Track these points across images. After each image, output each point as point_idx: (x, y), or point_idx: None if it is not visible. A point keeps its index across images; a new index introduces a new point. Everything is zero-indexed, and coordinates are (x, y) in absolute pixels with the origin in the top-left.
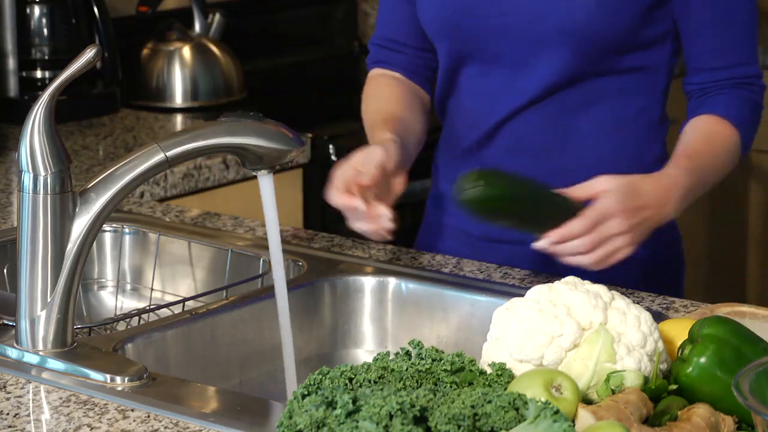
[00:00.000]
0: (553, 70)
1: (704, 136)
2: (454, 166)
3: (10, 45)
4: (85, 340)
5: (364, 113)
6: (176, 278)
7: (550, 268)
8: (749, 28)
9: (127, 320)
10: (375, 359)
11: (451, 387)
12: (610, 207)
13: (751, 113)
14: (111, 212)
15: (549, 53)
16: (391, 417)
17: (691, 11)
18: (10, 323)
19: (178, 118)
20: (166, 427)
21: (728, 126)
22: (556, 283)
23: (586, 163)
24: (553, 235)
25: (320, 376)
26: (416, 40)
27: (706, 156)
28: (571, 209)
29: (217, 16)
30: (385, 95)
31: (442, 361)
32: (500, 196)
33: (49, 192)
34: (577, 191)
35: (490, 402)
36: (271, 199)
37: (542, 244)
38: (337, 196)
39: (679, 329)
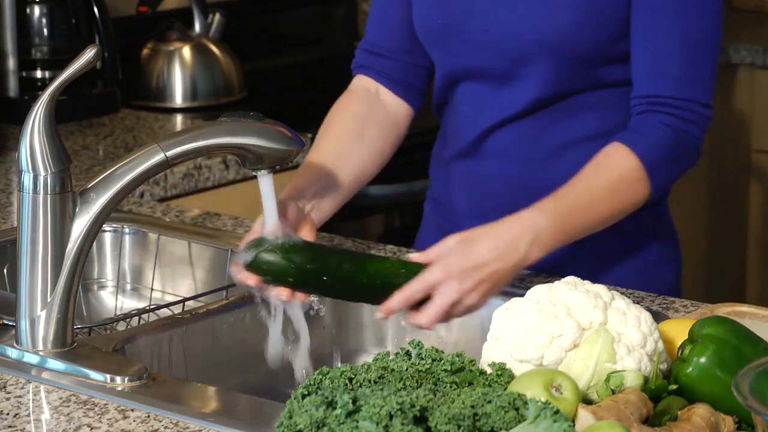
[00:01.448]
0: (537, 85)
1: (592, 173)
2: (445, 170)
3: (10, 45)
4: (85, 340)
5: (314, 148)
6: (176, 278)
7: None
8: (710, 62)
9: (127, 320)
10: (375, 359)
11: (451, 387)
12: (436, 274)
13: (673, 153)
14: (111, 212)
15: (531, 69)
16: (391, 417)
17: (656, 28)
18: (10, 323)
19: (178, 118)
20: (166, 427)
21: (635, 166)
22: (556, 283)
23: (575, 172)
24: (382, 309)
25: (320, 376)
26: (407, 48)
27: (580, 197)
28: (399, 276)
29: (217, 16)
30: (332, 134)
31: (442, 361)
32: (285, 269)
33: (49, 192)
34: (422, 257)
35: (490, 402)
36: (271, 199)
37: (379, 316)
38: (241, 274)
39: (679, 329)
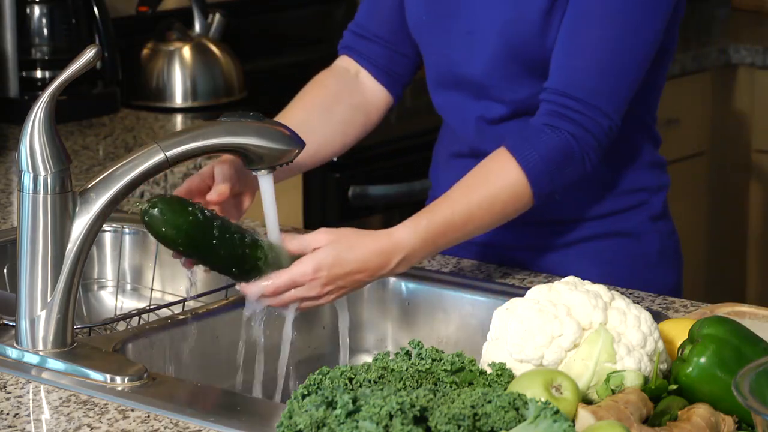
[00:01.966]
0: (516, 85)
1: (472, 184)
2: (445, 169)
3: (10, 45)
4: (85, 340)
5: (280, 117)
6: (176, 278)
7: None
8: (627, 79)
9: (127, 320)
10: (375, 359)
11: (451, 387)
12: (305, 274)
13: (558, 162)
14: (111, 212)
15: (509, 71)
16: (391, 417)
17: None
18: (10, 323)
19: (178, 118)
20: (166, 427)
21: (516, 175)
22: (556, 283)
23: None
24: (244, 287)
25: (320, 376)
26: (394, 36)
27: (456, 211)
28: (274, 259)
29: (217, 16)
30: (301, 103)
31: (442, 361)
32: (176, 231)
33: (49, 192)
34: (293, 243)
35: (490, 402)
36: (271, 199)
37: (239, 289)
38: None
39: (679, 329)
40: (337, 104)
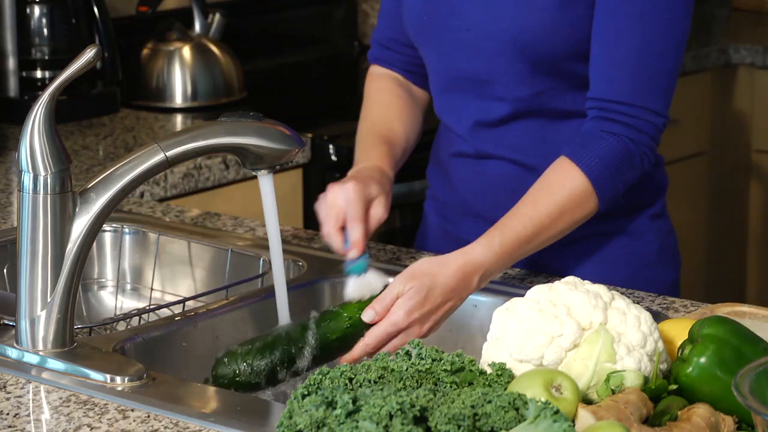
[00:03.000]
0: (519, 84)
1: (539, 196)
2: (444, 169)
3: (10, 45)
4: (85, 340)
5: (362, 119)
6: (176, 278)
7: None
8: (667, 73)
9: (127, 320)
10: (375, 359)
11: (451, 387)
12: (398, 324)
13: (618, 165)
14: (111, 212)
15: (511, 68)
16: (391, 417)
17: (616, 36)
18: (10, 323)
19: (178, 118)
20: (166, 427)
21: (580, 182)
22: (556, 283)
23: None
24: (348, 357)
25: (320, 376)
26: (412, 42)
27: (527, 225)
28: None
29: (217, 16)
30: (384, 103)
31: (442, 361)
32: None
33: (49, 192)
34: (378, 304)
35: (490, 402)
36: (271, 199)
37: (348, 358)
38: (333, 235)
39: (679, 329)
40: (409, 104)
